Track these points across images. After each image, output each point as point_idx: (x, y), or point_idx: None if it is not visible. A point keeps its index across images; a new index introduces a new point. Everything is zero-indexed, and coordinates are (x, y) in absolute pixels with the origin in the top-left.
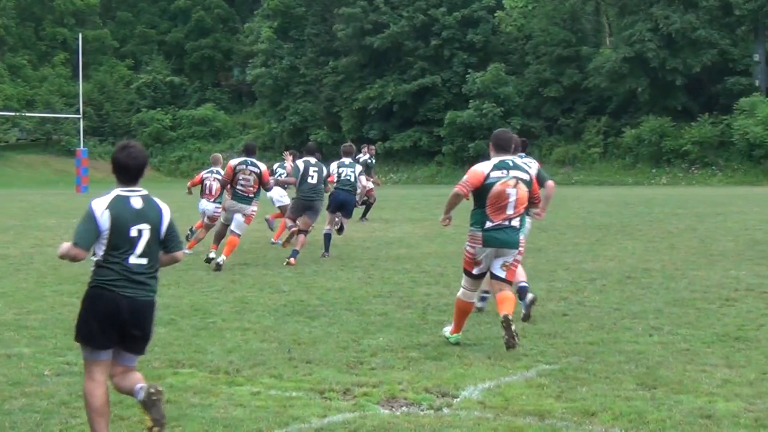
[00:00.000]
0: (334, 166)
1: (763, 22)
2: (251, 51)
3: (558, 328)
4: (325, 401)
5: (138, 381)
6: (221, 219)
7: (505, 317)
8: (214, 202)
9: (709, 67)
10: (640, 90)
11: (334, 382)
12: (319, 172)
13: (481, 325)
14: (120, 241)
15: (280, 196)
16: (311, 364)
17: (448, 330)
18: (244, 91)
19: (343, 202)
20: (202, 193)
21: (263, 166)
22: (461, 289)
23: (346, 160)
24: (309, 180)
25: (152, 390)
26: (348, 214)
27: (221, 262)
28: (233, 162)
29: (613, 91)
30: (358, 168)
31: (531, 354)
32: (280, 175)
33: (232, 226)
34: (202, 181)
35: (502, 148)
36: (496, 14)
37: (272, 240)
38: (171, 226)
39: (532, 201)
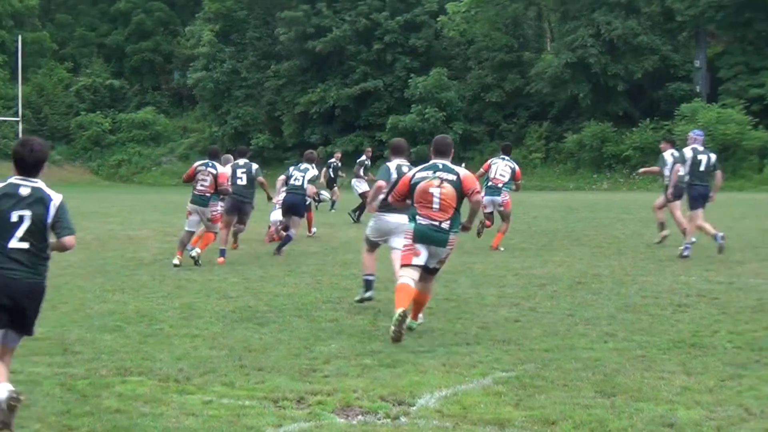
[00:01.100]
0: (291, 169)
1: (704, 29)
2: (192, 54)
3: (512, 334)
4: (279, 410)
5: (4, 377)
6: (185, 226)
7: (403, 312)
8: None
9: (651, 73)
10: (582, 95)
11: (288, 390)
12: (248, 174)
13: (434, 331)
14: (2, 225)
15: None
16: (263, 371)
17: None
18: (184, 94)
19: (291, 204)
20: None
21: (222, 169)
22: (401, 276)
23: (302, 165)
24: (238, 182)
25: (15, 396)
26: (299, 216)
27: (196, 255)
28: (196, 163)
29: (555, 97)
30: (310, 173)
31: (486, 361)
32: None
33: (204, 227)
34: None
35: (441, 152)
36: (438, 19)
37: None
38: (59, 213)
39: (468, 197)
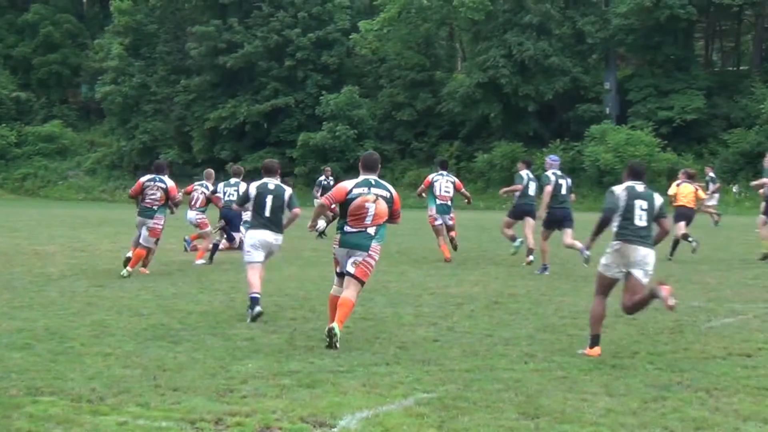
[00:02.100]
0: (220, 185)
1: (614, 51)
2: (101, 68)
3: (431, 354)
4: None
5: None
6: (139, 239)
7: (330, 330)
8: (197, 211)
9: (561, 94)
10: (493, 115)
11: (205, 411)
12: (238, 192)
13: (352, 351)
14: None
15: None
16: (179, 391)
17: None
18: (92, 108)
19: (227, 218)
20: (190, 205)
21: (171, 183)
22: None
23: (232, 180)
24: (229, 198)
25: None
26: (235, 230)
27: (124, 275)
28: (143, 179)
29: (466, 116)
30: (242, 186)
31: (407, 381)
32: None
33: (140, 240)
34: (191, 193)
35: (369, 168)
36: (351, 37)
37: (195, 261)
38: None
39: (392, 216)
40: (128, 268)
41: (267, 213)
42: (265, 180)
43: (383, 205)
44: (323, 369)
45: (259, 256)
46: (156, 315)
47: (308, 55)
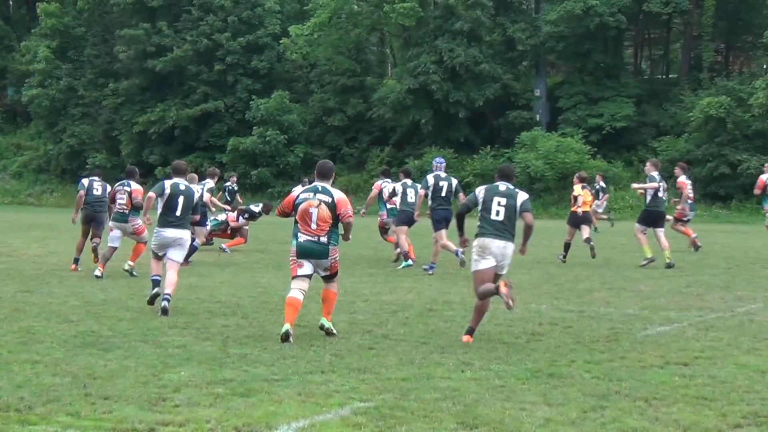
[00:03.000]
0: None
1: (544, 58)
2: (27, 70)
3: (367, 362)
4: None
5: None
6: (108, 241)
7: (324, 327)
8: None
9: (492, 101)
10: (424, 121)
11: (137, 421)
12: (102, 187)
13: (286, 359)
14: None
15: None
16: (110, 400)
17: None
18: (19, 111)
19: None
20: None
21: (135, 186)
22: (291, 289)
23: (205, 181)
24: (93, 192)
25: None
26: (202, 225)
27: (129, 268)
28: (116, 185)
29: (397, 122)
30: (209, 185)
31: (343, 390)
32: None
33: (136, 239)
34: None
35: (322, 175)
36: (281, 41)
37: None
38: None
39: (339, 218)
40: (130, 262)
41: (178, 213)
42: (176, 180)
43: (325, 210)
44: (257, 377)
45: (163, 250)
46: (85, 321)
47: (238, 60)
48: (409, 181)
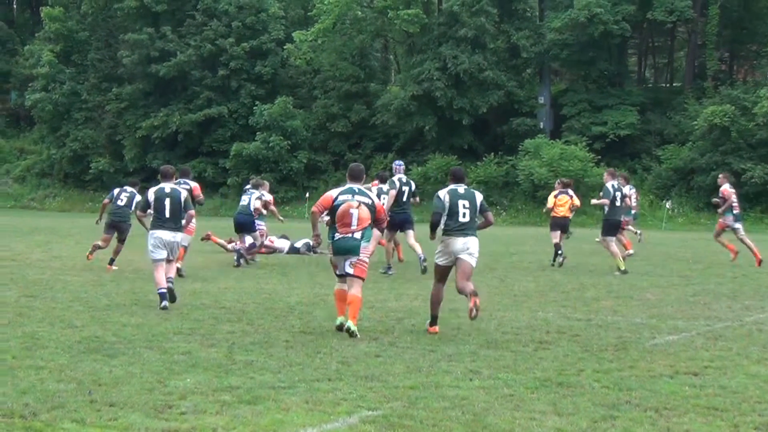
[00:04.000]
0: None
1: (548, 66)
2: (31, 74)
3: (374, 370)
4: None
5: None
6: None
7: (346, 328)
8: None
9: (496, 108)
10: (428, 128)
11: (143, 428)
12: (129, 197)
13: (293, 366)
14: None
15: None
16: (115, 407)
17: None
18: (22, 115)
19: (240, 223)
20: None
21: (194, 183)
22: (337, 283)
23: (250, 190)
24: (118, 202)
25: None
26: (249, 232)
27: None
28: None
29: (401, 129)
30: (255, 194)
31: (350, 398)
32: None
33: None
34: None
35: (354, 178)
36: (285, 47)
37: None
38: None
39: (377, 221)
40: (179, 261)
41: (167, 215)
42: (161, 185)
43: (365, 211)
44: (264, 385)
45: (162, 254)
46: (90, 327)
47: (242, 65)
48: (384, 187)
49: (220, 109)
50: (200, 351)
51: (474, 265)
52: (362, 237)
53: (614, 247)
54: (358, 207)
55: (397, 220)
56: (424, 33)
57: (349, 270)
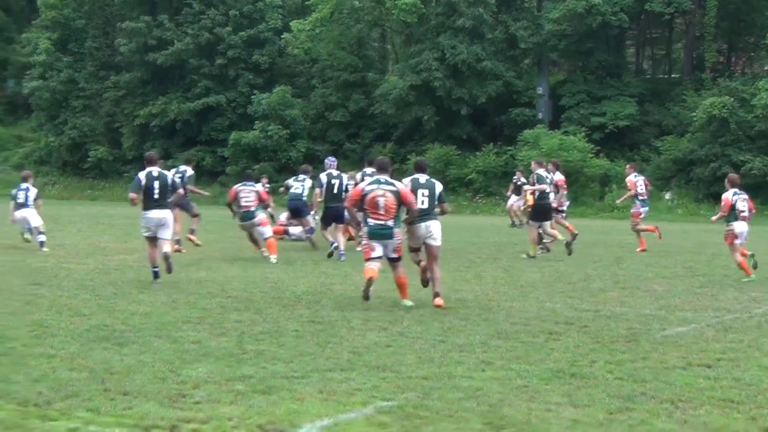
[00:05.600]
0: (290, 180)
1: (546, 56)
2: (28, 62)
3: (385, 360)
4: None
5: None
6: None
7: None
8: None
9: (495, 98)
10: (426, 118)
11: (158, 418)
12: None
13: (304, 355)
14: None
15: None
16: (129, 396)
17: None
18: (19, 103)
19: (295, 209)
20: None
21: (261, 187)
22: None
23: (300, 176)
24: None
25: None
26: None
27: (273, 261)
28: (236, 186)
29: (399, 119)
30: (308, 182)
31: (364, 389)
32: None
33: (262, 234)
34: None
35: (382, 169)
36: (282, 36)
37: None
38: None
39: (405, 204)
40: (273, 256)
41: (156, 195)
42: (149, 169)
43: (391, 198)
44: (276, 374)
45: (152, 232)
46: (98, 315)
47: (240, 54)
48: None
49: (218, 98)
50: (210, 340)
51: (439, 245)
52: (395, 224)
53: (535, 233)
54: (384, 195)
55: (332, 213)
56: (422, 23)
57: (393, 255)
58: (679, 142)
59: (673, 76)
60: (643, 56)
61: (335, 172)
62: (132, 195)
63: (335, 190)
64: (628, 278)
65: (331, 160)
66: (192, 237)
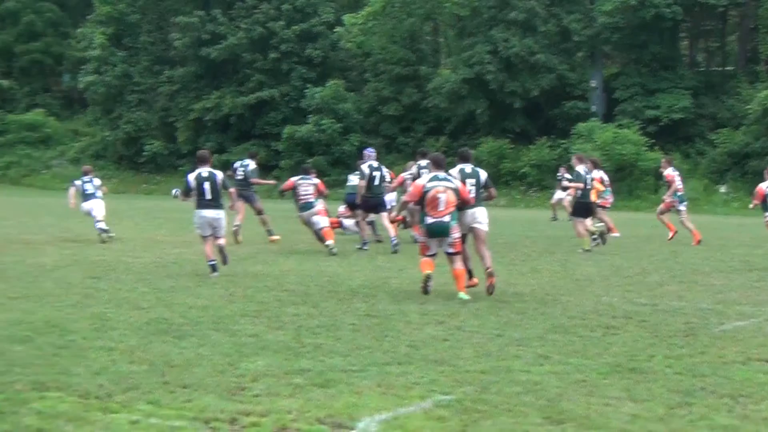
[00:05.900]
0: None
1: (600, 49)
2: (83, 57)
3: (443, 354)
4: None
5: None
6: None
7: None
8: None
9: (548, 91)
10: (479, 111)
11: (218, 410)
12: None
13: (362, 349)
14: None
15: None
16: (189, 389)
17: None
18: (75, 97)
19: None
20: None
21: (317, 180)
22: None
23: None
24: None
25: None
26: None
27: (330, 246)
28: (294, 178)
29: (453, 112)
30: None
31: (422, 383)
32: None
33: (318, 224)
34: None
35: (438, 166)
36: (335, 30)
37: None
38: None
39: (462, 200)
40: (330, 241)
41: (208, 196)
42: (199, 170)
43: (451, 195)
44: (334, 368)
45: (206, 231)
46: (156, 308)
47: (292, 48)
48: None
49: (271, 92)
50: (268, 333)
51: (486, 230)
52: (451, 220)
53: (580, 227)
54: (444, 192)
55: (371, 203)
56: (474, 16)
57: (450, 249)
58: (734, 134)
59: (727, 68)
60: (697, 48)
61: (375, 163)
62: (180, 197)
63: (377, 181)
64: (684, 272)
65: (370, 151)
66: (273, 238)
